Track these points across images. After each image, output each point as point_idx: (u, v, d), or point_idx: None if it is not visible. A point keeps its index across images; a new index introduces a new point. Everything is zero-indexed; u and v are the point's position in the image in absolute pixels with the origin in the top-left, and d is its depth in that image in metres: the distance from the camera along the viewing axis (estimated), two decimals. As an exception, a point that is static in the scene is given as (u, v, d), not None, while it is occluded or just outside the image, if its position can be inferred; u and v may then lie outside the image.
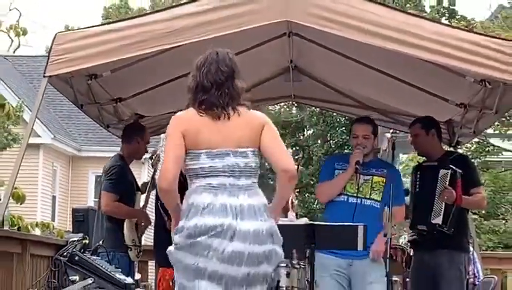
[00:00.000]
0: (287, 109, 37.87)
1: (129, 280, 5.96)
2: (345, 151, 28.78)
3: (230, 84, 4.62)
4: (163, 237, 6.02)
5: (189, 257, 4.50)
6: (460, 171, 6.61)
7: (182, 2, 6.43)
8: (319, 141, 37.18)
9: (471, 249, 7.62)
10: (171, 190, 4.52)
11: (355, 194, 6.41)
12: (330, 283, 6.31)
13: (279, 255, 4.61)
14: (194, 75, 4.64)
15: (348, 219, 6.21)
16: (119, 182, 7.11)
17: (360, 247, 6.01)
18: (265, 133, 4.60)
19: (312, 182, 30.00)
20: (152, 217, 7.55)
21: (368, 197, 6.43)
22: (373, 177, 6.47)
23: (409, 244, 7.24)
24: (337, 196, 6.43)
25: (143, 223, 7.31)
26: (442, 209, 6.58)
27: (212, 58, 4.63)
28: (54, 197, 25.26)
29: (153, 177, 7.65)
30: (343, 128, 31.23)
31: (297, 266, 6.85)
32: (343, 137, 31.65)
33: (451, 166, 6.61)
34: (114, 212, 7.11)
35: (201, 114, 4.58)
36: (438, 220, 6.59)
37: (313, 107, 30.22)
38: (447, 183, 6.60)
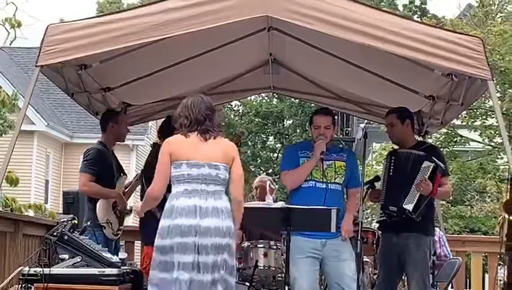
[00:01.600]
0: (268, 100, 37.92)
1: (115, 259, 5.96)
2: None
3: (214, 117, 5.60)
4: (147, 216, 6.00)
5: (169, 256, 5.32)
6: (442, 166, 6.62)
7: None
8: (298, 130, 37.27)
9: (437, 232, 7.66)
10: (157, 199, 5.51)
11: (321, 180, 6.41)
12: (306, 263, 6.29)
13: (233, 249, 5.44)
14: (187, 114, 5.51)
15: (320, 203, 6.20)
16: (96, 163, 7.03)
17: (333, 229, 6.03)
18: (235, 166, 5.53)
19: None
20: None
21: (333, 181, 6.43)
22: (335, 162, 6.48)
23: (377, 225, 7.27)
24: (304, 182, 6.41)
25: (118, 207, 7.17)
26: (416, 198, 6.59)
27: (199, 100, 5.58)
28: (47, 181, 25.15)
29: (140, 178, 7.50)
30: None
31: (274, 247, 6.89)
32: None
33: (434, 159, 6.61)
34: (89, 191, 7.04)
35: (188, 136, 5.47)
36: (409, 207, 6.58)
37: (292, 99, 30.28)
38: (428, 175, 6.61)
